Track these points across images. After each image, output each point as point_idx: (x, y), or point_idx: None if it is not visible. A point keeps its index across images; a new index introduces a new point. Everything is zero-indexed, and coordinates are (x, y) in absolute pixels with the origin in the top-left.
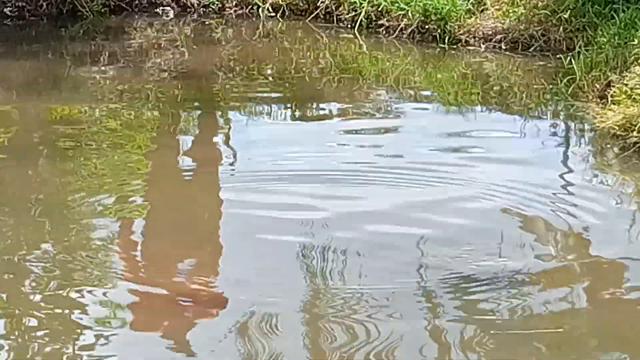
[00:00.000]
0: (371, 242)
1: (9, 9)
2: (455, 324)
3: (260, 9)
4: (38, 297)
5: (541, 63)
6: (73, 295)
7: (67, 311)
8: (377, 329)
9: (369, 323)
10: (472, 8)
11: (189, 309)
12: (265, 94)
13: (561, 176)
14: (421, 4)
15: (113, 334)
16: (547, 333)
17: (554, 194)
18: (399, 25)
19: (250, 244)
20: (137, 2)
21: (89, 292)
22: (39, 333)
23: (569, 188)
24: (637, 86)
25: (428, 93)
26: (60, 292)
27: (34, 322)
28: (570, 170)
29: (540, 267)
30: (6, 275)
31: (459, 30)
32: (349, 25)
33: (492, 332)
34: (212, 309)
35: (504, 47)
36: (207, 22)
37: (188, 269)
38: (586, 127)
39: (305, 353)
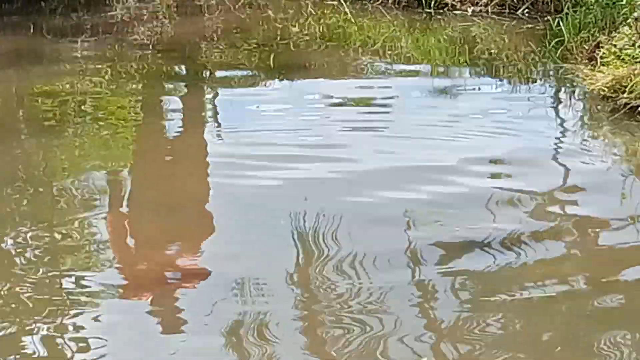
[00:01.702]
0: (361, 208)
1: None
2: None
3: None
4: (25, 274)
5: (529, 26)
6: (60, 273)
7: (54, 287)
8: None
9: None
10: None
11: (176, 283)
12: (249, 64)
13: (553, 138)
14: None
15: (100, 313)
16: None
17: (546, 155)
18: None
19: (239, 215)
20: None
21: (76, 270)
22: (26, 311)
23: (560, 150)
24: (626, 47)
25: (415, 58)
26: (47, 269)
27: (23, 301)
28: (561, 133)
29: (533, 227)
30: None
31: None
32: None
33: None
34: (198, 282)
35: (491, 10)
36: None
37: (175, 242)
38: (576, 89)
39: (296, 320)
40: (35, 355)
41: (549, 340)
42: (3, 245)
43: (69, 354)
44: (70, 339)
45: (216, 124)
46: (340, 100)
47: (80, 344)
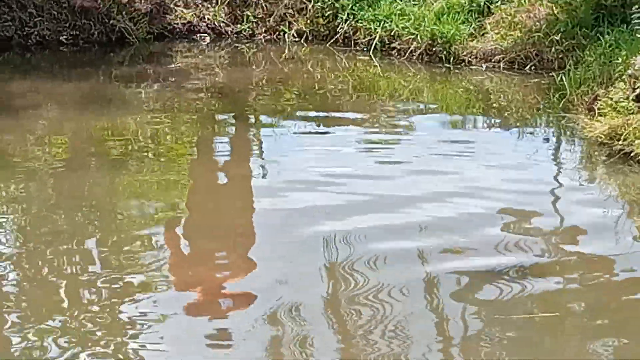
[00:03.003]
0: (385, 231)
1: (64, 37)
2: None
3: (286, 35)
4: (92, 289)
5: (535, 80)
6: (122, 288)
7: (117, 302)
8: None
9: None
10: (474, 32)
11: (225, 298)
12: (291, 108)
13: (554, 179)
14: (429, 29)
15: (157, 328)
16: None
17: (547, 195)
18: (409, 48)
19: (280, 240)
20: (177, 29)
21: (136, 287)
22: (92, 324)
23: (560, 190)
24: (621, 100)
25: (435, 107)
26: (112, 285)
27: (89, 314)
28: (562, 175)
29: (536, 260)
30: (57, 276)
31: (463, 52)
32: (365, 49)
33: (495, 316)
34: (245, 297)
35: (502, 66)
36: (239, 47)
37: (224, 263)
38: (576, 136)
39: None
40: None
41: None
42: (72, 259)
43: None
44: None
45: (260, 159)
46: (368, 139)
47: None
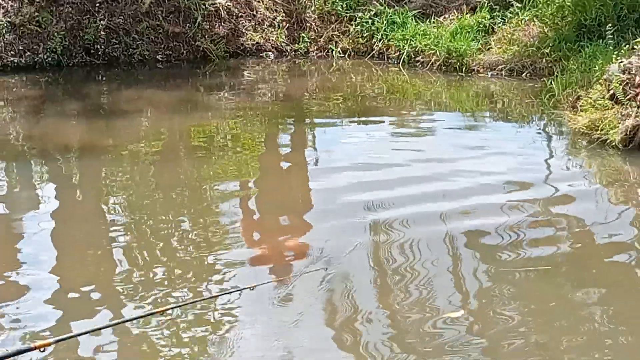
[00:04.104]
0: (412, 199)
1: (160, 55)
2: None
3: (333, 52)
4: (182, 245)
5: (530, 84)
6: (206, 251)
7: (202, 254)
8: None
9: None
10: (481, 47)
11: (289, 261)
12: (338, 109)
13: (546, 161)
14: (445, 45)
15: (231, 277)
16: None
17: (541, 172)
18: (430, 60)
19: (331, 218)
20: (248, 49)
21: (217, 248)
22: (182, 270)
23: (551, 169)
24: (599, 99)
25: (451, 106)
26: (197, 248)
27: (180, 268)
28: (553, 158)
29: (532, 226)
30: (158, 238)
31: (472, 63)
32: (395, 62)
33: (500, 268)
34: (302, 248)
35: (504, 74)
36: (297, 62)
37: (287, 233)
38: (563, 128)
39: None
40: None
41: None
42: (168, 225)
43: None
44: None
45: (314, 149)
46: (398, 132)
47: (221, 304)
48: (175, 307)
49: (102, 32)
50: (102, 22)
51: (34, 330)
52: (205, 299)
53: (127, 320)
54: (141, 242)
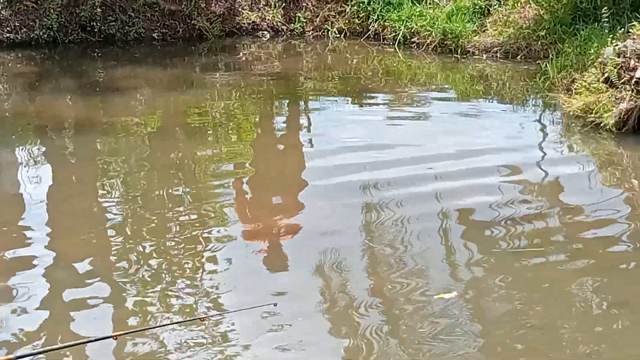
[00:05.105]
0: (407, 179)
1: (156, 34)
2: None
3: (329, 32)
4: (176, 222)
5: (525, 67)
6: (200, 228)
7: (195, 232)
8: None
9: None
10: (477, 29)
11: (280, 236)
12: (333, 89)
13: (540, 144)
14: (441, 27)
15: (224, 252)
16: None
17: (535, 155)
18: (426, 42)
19: (323, 194)
20: (244, 28)
21: (212, 225)
22: (177, 249)
23: (545, 151)
24: (593, 82)
25: (446, 88)
26: (193, 224)
27: (171, 242)
28: (547, 140)
29: (525, 207)
30: (153, 214)
31: (468, 45)
32: (391, 43)
33: (493, 250)
34: (293, 228)
35: (499, 56)
36: (292, 42)
37: (280, 210)
38: (557, 110)
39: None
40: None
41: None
42: (163, 201)
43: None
44: (205, 269)
45: (308, 130)
46: (393, 114)
47: (211, 275)
48: (132, 333)
49: (98, 9)
50: None
51: (24, 307)
52: (149, 328)
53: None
54: (134, 217)
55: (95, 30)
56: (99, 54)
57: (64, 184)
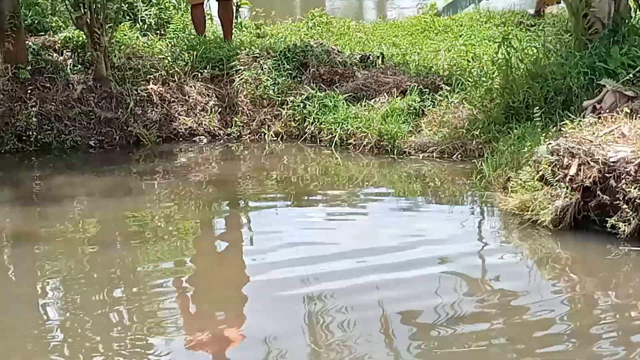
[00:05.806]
0: (348, 281)
1: (92, 141)
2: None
3: (266, 135)
4: (119, 327)
5: (461, 166)
6: (141, 335)
7: (138, 337)
8: None
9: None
10: (412, 129)
11: (222, 344)
12: (272, 193)
13: (479, 240)
14: (377, 128)
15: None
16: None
17: (474, 253)
18: (362, 143)
19: (265, 298)
20: (181, 133)
21: (152, 335)
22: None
23: (484, 249)
24: (528, 180)
25: (384, 189)
26: (135, 332)
27: (119, 343)
28: (485, 238)
29: (468, 301)
30: (95, 313)
31: (404, 145)
32: (328, 144)
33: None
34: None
35: (435, 155)
36: (230, 146)
37: (222, 316)
38: (494, 209)
39: None
40: None
41: None
42: (104, 306)
43: None
44: None
45: (249, 231)
46: (332, 213)
47: None
48: None
49: (34, 119)
50: (33, 108)
51: None
52: None
53: None
54: (77, 330)
55: (32, 139)
56: (36, 163)
57: (2, 296)
